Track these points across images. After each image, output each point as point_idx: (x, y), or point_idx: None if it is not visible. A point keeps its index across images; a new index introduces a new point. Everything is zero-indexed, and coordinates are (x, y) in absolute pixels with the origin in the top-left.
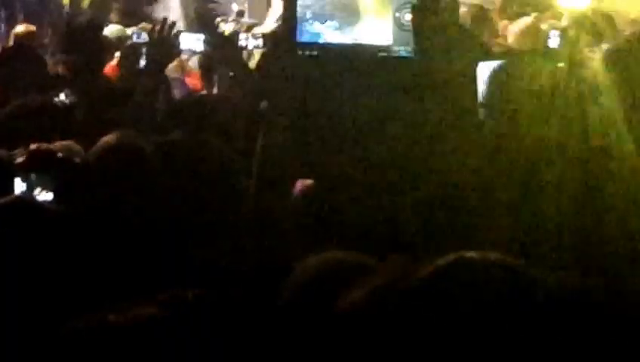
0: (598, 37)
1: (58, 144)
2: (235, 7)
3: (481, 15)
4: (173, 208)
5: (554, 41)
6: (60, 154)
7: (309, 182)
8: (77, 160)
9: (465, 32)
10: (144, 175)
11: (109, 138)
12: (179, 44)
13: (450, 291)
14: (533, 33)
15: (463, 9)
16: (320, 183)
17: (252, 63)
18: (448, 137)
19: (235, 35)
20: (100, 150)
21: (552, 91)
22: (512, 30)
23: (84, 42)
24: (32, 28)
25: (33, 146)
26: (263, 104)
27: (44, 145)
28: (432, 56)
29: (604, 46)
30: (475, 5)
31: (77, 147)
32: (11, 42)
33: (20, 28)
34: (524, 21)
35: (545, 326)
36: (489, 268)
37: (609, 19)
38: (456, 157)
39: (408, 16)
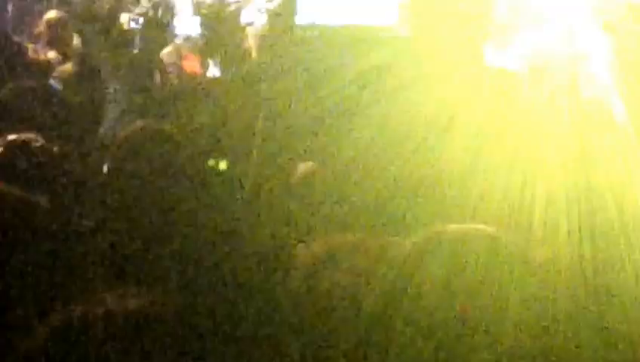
0: None
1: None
2: None
3: None
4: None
5: None
6: (36, 144)
7: (310, 164)
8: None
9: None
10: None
11: (138, 126)
12: (174, 27)
13: (429, 263)
14: None
15: None
16: (322, 165)
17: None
18: (450, 115)
19: (235, 13)
20: (133, 136)
21: None
22: None
23: (106, 28)
24: (62, 14)
25: (11, 137)
26: (263, 85)
27: (23, 136)
28: (433, 33)
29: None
30: None
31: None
32: (42, 28)
33: (52, 14)
34: None
35: (522, 294)
36: (468, 238)
37: None
38: (453, 132)
39: None
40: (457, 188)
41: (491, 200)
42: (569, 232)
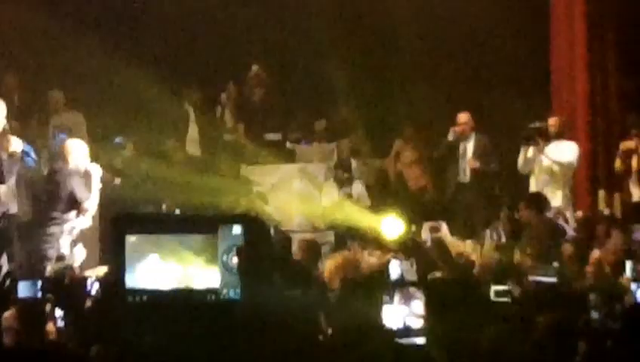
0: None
1: None
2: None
3: (314, 249)
4: None
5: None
6: None
7: None
8: None
9: (298, 268)
10: None
11: None
12: (16, 292)
13: None
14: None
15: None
16: None
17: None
18: None
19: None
20: None
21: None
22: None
23: None
24: None
25: None
26: (94, 349)
27: None
28: (259, 298)
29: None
30: (307, 240)
31: None
32: None
33: None
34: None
35: None
36: None
37: (442, 246)
38: None
39: (235, 260)
40: None
41: None
42: None
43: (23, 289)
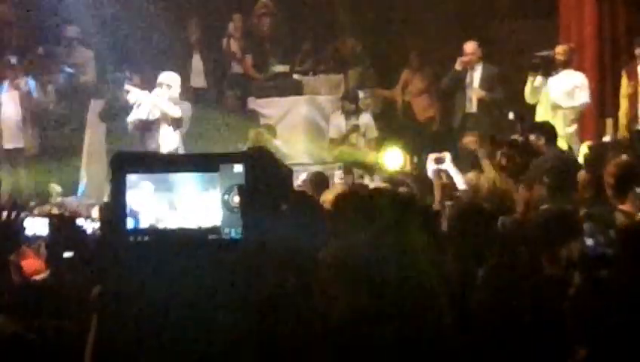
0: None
1: None
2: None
3: (322, 181)
4: None
5: None
6: None
7: None
8: None
9: (304, 200)
10: None
11: None
12: (24, 229)
13: None
14: None
15: (303, 177)
16: None
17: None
18: (279, 317)
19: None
20: None
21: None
22: None
23: None
24: None
25: None
26: (95, 289)
27: None
28: (261, 238)
29: None
30: (316, 172)
31: None
32: None
33: None
34: None
35: None
36: None
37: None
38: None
39: (236, 199)
40: None
41: None
42: None
43: (31, 227)
